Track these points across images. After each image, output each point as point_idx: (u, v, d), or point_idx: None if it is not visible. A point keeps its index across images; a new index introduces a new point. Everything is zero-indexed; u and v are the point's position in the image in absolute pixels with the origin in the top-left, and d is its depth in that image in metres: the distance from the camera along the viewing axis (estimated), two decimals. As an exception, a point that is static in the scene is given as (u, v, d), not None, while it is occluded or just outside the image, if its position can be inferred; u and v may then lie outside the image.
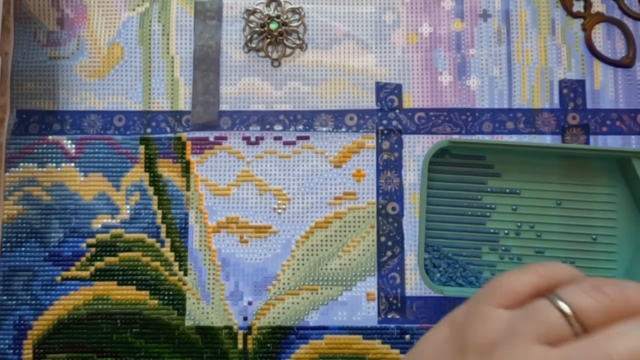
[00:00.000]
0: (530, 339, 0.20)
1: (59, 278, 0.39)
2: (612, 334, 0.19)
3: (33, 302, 0.39)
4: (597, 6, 0.41)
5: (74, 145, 0.41)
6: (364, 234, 0.40)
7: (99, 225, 0.40)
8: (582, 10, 0.41)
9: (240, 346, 0.39)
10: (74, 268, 0.40)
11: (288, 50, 0.41)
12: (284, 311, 0.39)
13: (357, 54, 0.41)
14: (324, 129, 0.41)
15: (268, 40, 0.41)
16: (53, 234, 0.40)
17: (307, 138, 0.41)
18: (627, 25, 0.41)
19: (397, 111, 0.41)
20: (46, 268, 0.40)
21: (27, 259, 0.40)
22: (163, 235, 0.40)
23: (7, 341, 0.39)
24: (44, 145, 0.41)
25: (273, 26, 0.40)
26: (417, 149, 0.40)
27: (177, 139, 0.41)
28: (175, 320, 0.39)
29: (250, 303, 0.39)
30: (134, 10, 0.42)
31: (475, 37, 0.41)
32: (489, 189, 0.40)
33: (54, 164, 0.40)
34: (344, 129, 0.41)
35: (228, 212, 0.40)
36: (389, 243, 0.40)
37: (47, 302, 0.39)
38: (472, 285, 0.39)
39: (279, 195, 0.40)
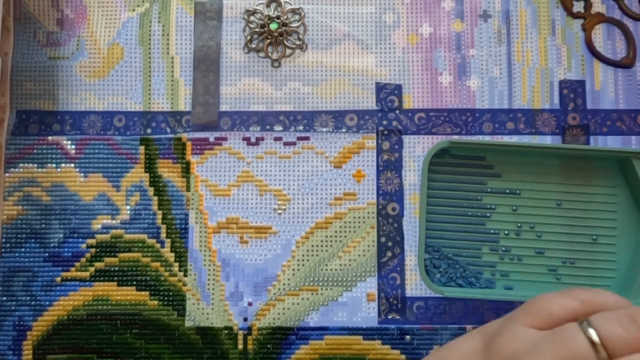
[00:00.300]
0: (550, 358, 0.20)
1: (58, 279, 0.39)
2: None
3: (33, 302, 0.39)
4: (597, 6, 0.41)
5: (73, 146, 0.41)
6: (364, 234, 0.40)
7: (99, 226, 0.40)
8: (582, 11, 0.41)
9: (240, 347, 0.39)
10: (73, 269, 0.39)
11: (288, 51, 0.41)
12: (284, 312, 0.39)
13: (357, 55, 0.41)
14: (324, 129, 0.41)
15: (268, 40, 0.41)
16: (53, 235, 0.40)
17: (307, 138, 0.41)
18: (627, 25, 0.41)
19: (397, 112, 0.41)
20: (46, 269, 0.40)
21: (26, 259, 0.40)
22: (163, 235, 0.40)
23: (6, 342, 0.39)
24: (44, 146, 0.41)
25: (273, 27, 0.40)
26: (417, 150, 0.40)
27: (177, 140, 0.40)
28: (175, 320, 0.39)
29: (250, 304, 0.39)
30: (133, 10, 0.41)
31: (475, 37, 0.41)
32: (489, 190, 0.40)
33: (54, 165, 0.40)
34: (344, 130, 0.41)
35: (228, 213, 0.40)
36: (389, 243, 0.40)
37: (47, 302, 0.39)
38: (472, 285, 0.39)
39: (279, 196, 0.40)
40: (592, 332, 0.20)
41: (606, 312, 0.21)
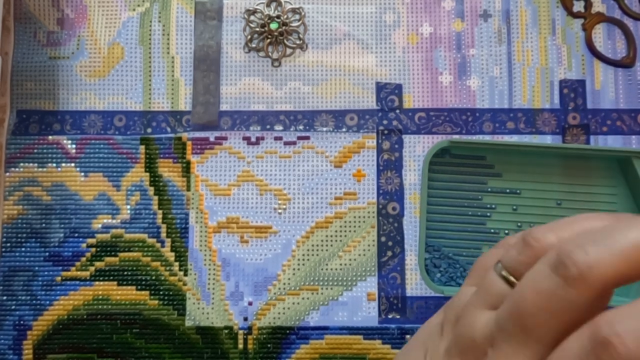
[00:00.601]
0: (480, 305, 0.21)
1: (59, 278, 0.39)
2: (525, 278, 0.19)
3: (33, 302, 0.39)
4: (598, 6, 0.41)
5: (74, 145, 0.41)
6: (364, 234, 0.40)
7: (99, 226, 0.40)
8: (582, 10, 0.41)
9: (240, 346, 0.39)
10: (74, 268, 0.39)
11: (288, 50, 0.41)
12: (284, 311, 0.39)
13: (358, 54, 0.41)
14: (325, 129, 0.41)
15: (268, 40, 0.41)
16: (53, 234, 0.40)
17: (307, 138, 0.41)
18: (628, 25, 0.41)
19: (397, 111, 0.41)
20: (46, 268, 0.40)
21: (27, 259, 0.40)
22: (163, 235, 0.40)
23: (7, 342, 0.39)
24: (44, 146, 0.41)
25: (273, 26, 0.40)
26: (417, 149, 0.40)
27: (178, 139, 0.40)
28: (175, 320, 0.39)
29: (250, 303, 0.39)
30: (134, 10, 0.42)
31: (475, 37, 0.41)
32: (489, 189, 0.40)
33: (54, 164, 0.40)
34: (344, 129, 0.41)
35: (228, 212, 0.40)
36: (390, 243, 0.40)
37: (47, 302, 0.39)
38: (472, 285, 0.39)
39: (279, 196, 0.40)
40: (504, 272, 0.21)
41: (511, 245, 0.22)
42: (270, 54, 0.41)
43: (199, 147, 0.40)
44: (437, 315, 0.26)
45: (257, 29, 0.41)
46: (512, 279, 0.20)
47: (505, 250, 0.21)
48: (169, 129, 0.41)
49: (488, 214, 0.39)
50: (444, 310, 0.25)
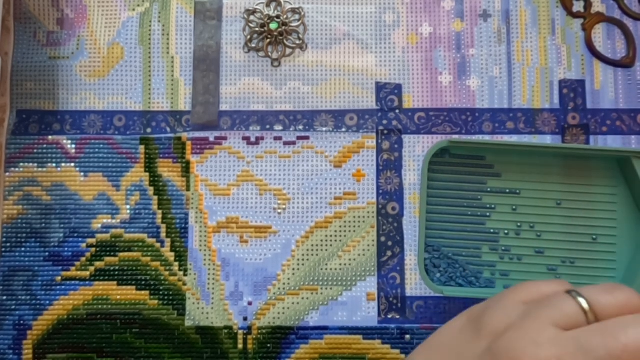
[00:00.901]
0: (545, 321, 0.21)
1: (58, 278, 0.39)
2: (624, 322, 0.20)
3: (33, 302, 0.39)
4: (597, 6, 0.41)
5: (74, 145, 0.41)
6: (364, 234, 0.40)
7: (99, 226, 0.40)
8: (582, 10, 0.41)
9: (240, 346, 0.39)
10: (73, 268, 0.40)
11: (288, 50, 0.41)
12: (284, 311, 0.39)
13: (357, 54, 0.41)
14: (324, 129, 0.41)
15: (268, 40, 0.41)
16: (53, 234, 0.40)
17: (307, 138, 0.41)
18: (627, 25, 0.41)
19: (397, 111, 0.41)
20: (46, 268, 0.40)
21: (27, 259, 0.40)
22: (163, 235, 0.40)
23: (6, 341, 0.39)
24: (44, 145, 0.41)
25: (273, 26, 0.40)
26: (417, 149, 0.40)
27: (177, 139, 0.40)
28: (175, 320, 0.39)
29: (250, 303, 0.39)
30: (134, 10, 0.42)
31: (475, 37, 0.41)
32: (489, 189, 0.40)
33: (54, 164, 0.40)
34: (344, 129, 0.41)
35: (228, 212, 0.40)
36: (389, 243, 0.40)
37: (47, 302, 0.39)
38: (472, 285, 0.39)
39: (279, 196, 0.40)
40: (582, 300, 0.21)
41: (591, 286, 0.23)
42: (270, 54, 0.41)
43: (198, 147, 0.40)
44: (458, 320, 0.26)
45: (257, 29, 0.41)
46: (586, 307, 0.21)
47: (587, 289, 0.22)
48: (168, 129, 0.41)
49: (488, 214, 0.39)
50: (470, 316, 0.25)
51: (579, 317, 0.21)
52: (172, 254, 0.40)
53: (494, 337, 0.22)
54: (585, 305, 0.21)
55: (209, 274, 0.39)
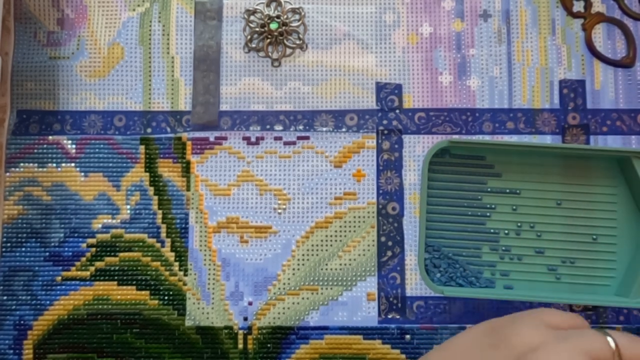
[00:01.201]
0: (577, 349, 0.22)
1: (59, 278, 0.39)
2: None
3: (33, 302, 0.39)
4: (597, 6, 0.41)
5: (74, 146, 0.41)
6: (364, 234, 0.40)
7: (99, 226, 0.40)
8: (582, 10, 0.41)
9: (240, 346, 0.39)
10: (74, 268, 0.40)
11: (288, 50, 0.41)
12: (284, 311, 0.39)
13: (358, 54, 0.41)
14: (324, 129, 0.41)
15: (268, 40, 0.41)
16: (53, 234, 0.40)
17: (307, 138, 0.41)
18: (628, 25, 0.41)
19: (397, 111, 0.41)
20: (46, 268, 0.40)
21: (27, 259, 0.40)
22: (163, 235, 0.40)
23: (7, 341, 0.39)
24: (44, 146, 0.41)
25: (273, 26, 0.40)
26: (417, 149, 0.40)
27: (178, 139, 0.41)
28: (175, 320, 0.39)
29: (250, 303, 0.39)
30: (134, 10, 0.42)
31: (475, 37, 0.41)
32: (489, 189, 0.40)
33: (54, 164, 0.40)
34: (344, 129, 0.41)
35: (228, 212, 0.40)
36: (389, 243, 0.40)
37: (47, 302, 0.39)
38: (472, 285, 0.39)
39: (279, 196, 0.40)
40: (611, 340, 0.23)
41: (618, 331, 0.24)
42: (270, 54, 0.41)
43: (198, 147, 0.40)
44: (480, 327, 0.27)
45: (257, 29, 0.41)
46: (614, 346, 0.23)
47: (614, 333, 0.24)
48: (168, 129, 0.41)
49: (488, 214, 0.39)
50: (492, 326, 0.26)
51: (607, 354, 0.22)
52: (173, 254, 0.40)
53: (520, 351, 0.23)
54: (612, 344, 0.23)
55: (209, 274, 0.39)
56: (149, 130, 0.41)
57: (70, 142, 0.41)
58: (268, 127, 0.41)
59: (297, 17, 0.41)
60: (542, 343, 0.23)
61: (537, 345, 0.23)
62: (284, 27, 0.41)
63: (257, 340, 0.39)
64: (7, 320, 0.39)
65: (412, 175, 0.40)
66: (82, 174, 0.40)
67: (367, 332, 0.39)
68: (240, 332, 0.39)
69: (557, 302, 0.38)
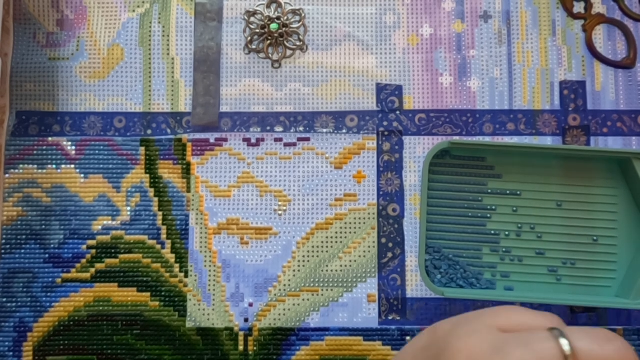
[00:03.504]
0: (523, 357, 0.19)
1: (59, 280, 0.39)
2: None
3: (33, 304, 0.39)
4: (598, 7, 0.41)
5: (74, 147, 0.40)
6: (364, 235, 0.40)
7: (100, 227, 0.40)
8: (582, 12, 0.41)
9: (241, 348, 0.39)
10: (74, 270, 0.39)
11: (288, 52, 0.41)
12: (284, 313, 0.39)
13: (358, 56, 0.41)
14: (325, 130, 0.41)
15: (268, 41, 0.41)
16: (53, 236, 0.40)
17: (307, 139, 0.41)
18: (628, 26, 0.41)
19: (397, 112, 0.41)
20: (46, 270, 0.39)
21: (27, 260, 0.40)
22: (164, 236, 0.40)
23: (7, 343, 0.39)
24: (44, 147, 0.40)
25: (273, 27, 0.40)
26: (417, 150, 0.40)
27: (178, 141, 0.40)
28: (176, 321, 0.39)
29: (251, 304, 0.39)
30: (134, 11, 0.41)
31: (475, 38, 0.41)
32: (489, 190, 0.40)
33: (54, 166, 0.40)
34: (344, 131, 0.41)
35: (229, 214, 0.40)
36: (390, 244, 0.40)
37: (48, 304, 0.39)
38: (472, 286, 0.39)
39: (279, 197, 0.40)
40: (564, 342, 0.19)
41: (581, 328, 0.21)
42: (270, 55, 0.41)
43: (199, 148, 0.40)
44: (421, 337, 0.24)
45: (257, 31, 0.41)
46: (567, 351, 0.19)
47: (575, 331, 0.20)
48: (169, 131, 0.41)
49: (488, 216, 0.39)
50: (433, 334, 0.23)
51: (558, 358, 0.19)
52: (173, 255, 0.40)
53: None
54: (566, 348, 0.19)
55: (209, 276, 0.39)
56: (149, 131, 0.41)
57: (70, 143, 0.40)
58: (268, 128, 0.41)
59: (297, 18, 0.41)
60: (479, 353, 0.20)
61: (474, 355, 0.20)
62: (284, 29, 0.40)
63: (258, 341, 0.39)
64: (7, 323, 0.39)
65: (413, 177, 0.40)
66: (82, 175, 0.40)
67: (368, 334, 0.39)
68: (241, 333, 0.39)
69: (558, 304, 0.38)
